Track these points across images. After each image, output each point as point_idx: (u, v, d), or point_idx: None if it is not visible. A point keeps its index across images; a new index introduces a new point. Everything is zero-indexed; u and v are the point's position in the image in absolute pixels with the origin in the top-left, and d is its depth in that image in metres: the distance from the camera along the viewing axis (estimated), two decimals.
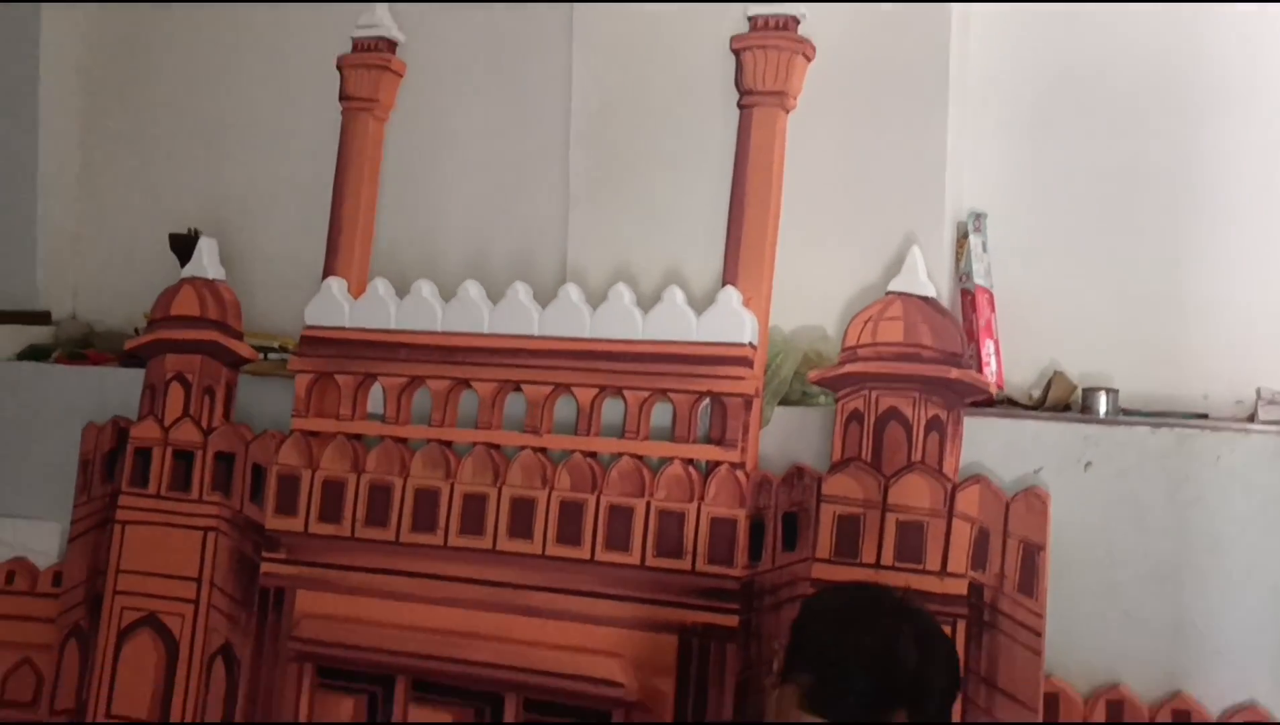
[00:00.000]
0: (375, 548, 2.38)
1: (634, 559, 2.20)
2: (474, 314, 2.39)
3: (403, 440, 2.42)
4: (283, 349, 2.68)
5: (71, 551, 2.62)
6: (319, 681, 2.37)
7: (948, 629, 1.90)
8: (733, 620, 2.12)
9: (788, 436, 2.22)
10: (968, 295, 2.29)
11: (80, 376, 2.78)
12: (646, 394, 2.24)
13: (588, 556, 2.23)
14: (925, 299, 2.16)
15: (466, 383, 2.39)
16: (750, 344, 2.19)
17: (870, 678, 1.49)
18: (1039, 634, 1.98)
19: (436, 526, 2.34)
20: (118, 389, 2.71)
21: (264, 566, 2.44)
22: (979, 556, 2.03)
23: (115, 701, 2.50)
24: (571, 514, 2.26)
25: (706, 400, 2.23)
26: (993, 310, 2.30)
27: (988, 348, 2.26)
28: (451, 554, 2.33)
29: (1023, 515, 2.02)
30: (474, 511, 2.33)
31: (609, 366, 2.27)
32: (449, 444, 2.38)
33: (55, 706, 2.56)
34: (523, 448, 2.32)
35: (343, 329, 2.47)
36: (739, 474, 2.17)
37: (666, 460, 2.22)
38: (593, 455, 2.28)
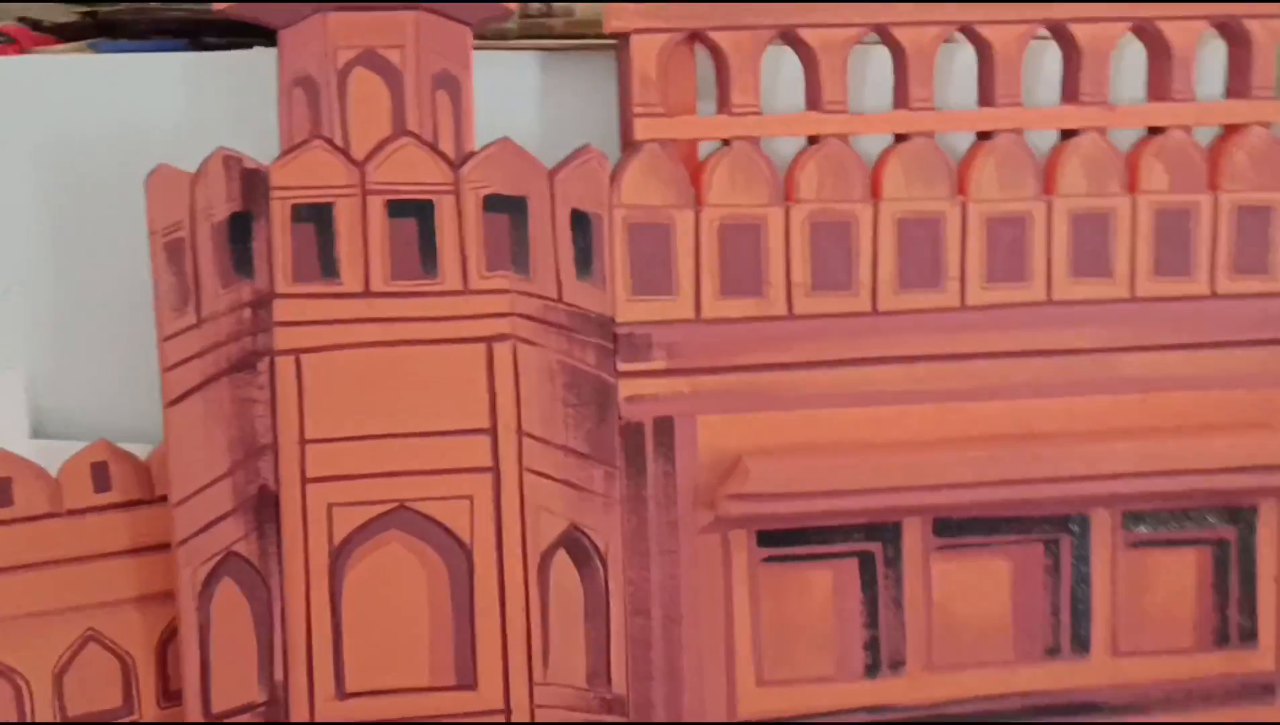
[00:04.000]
0: (833, 328, 1.41)
1: None
2: None
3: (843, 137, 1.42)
4: None
5: (174, 424, 1.33)
6: (761, 555, 1.43)
7: None
8: None
9: None
10: None
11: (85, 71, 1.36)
12: None
13: (1207, 291, 1.46)
14: None
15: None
16: None
17: None
18: None
19: (941, 277, 1.43)
20: (183, 92, 1.36)
21: (624, 387, 1.38)
22: None
23: (349, 677, 1.36)
24: (1172, 225, 1.45)
25: None
26: None
27: None
28: (973, 318, 1.43)
29: None
30: (1005, 244, 1.43)
31: None
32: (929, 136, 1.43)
33: (213, 708, 1.35)
34: (1077, 131, 1.44)
35: None
36: None
37: None
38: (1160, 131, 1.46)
